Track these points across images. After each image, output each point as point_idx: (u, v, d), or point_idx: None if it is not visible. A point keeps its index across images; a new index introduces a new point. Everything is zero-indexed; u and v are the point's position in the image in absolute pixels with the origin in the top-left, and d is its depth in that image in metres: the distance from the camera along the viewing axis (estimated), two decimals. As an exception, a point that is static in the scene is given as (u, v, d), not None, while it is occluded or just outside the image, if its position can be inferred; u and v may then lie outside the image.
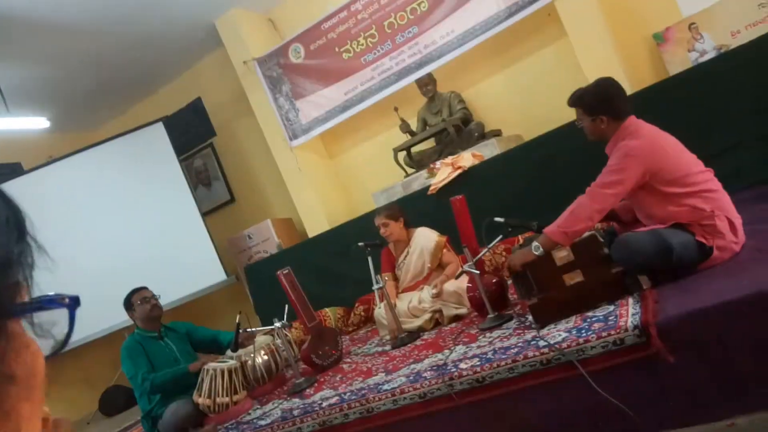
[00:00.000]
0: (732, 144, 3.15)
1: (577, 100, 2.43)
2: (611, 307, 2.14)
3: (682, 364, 1.78)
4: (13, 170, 5.90)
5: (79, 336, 5.33)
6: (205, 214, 6.08)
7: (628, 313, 2.01)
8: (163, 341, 3.46)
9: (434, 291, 3.24)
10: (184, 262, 5.62)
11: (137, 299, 3.45)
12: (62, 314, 0.42)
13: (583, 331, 2.02)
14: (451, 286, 3.18)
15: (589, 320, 2.11)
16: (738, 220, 2.18)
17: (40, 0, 4.23)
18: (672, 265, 2.08)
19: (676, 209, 2.17)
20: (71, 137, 6.57)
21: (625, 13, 4.46)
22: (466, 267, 2.74)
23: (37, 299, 0.40)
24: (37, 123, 5.49)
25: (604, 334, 1.92)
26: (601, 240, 2.32)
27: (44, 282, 0.42)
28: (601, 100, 2.36)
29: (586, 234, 2.30)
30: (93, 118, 6.71)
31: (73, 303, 0.42)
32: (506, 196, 3.81)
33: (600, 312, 2.15)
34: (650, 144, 2.23)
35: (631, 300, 2.13)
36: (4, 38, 4.50)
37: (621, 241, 2.16)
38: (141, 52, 5.60)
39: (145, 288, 3.54)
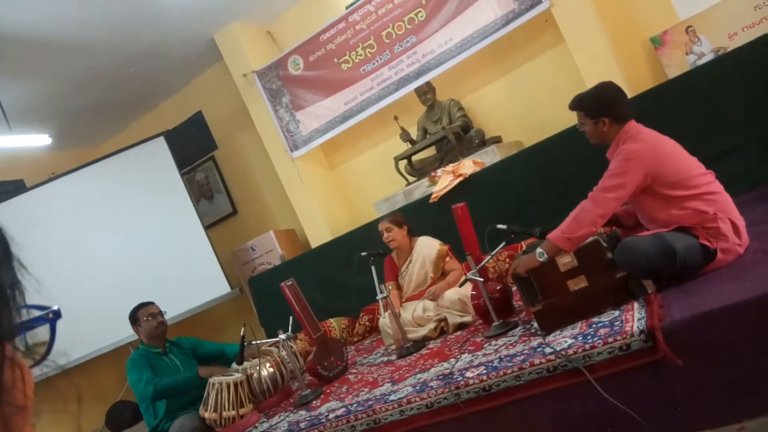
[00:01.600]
0: (732, 146, 3.15)
1: (579, 103, 2.44)
2: (616, 312, 2.14)
3: (689, 368, 1.77)
4: (16, 187, 5.92)
5: (84, 351, 5.35)
6: (207, 227, 6.09)
7: (634, 317, 2.00)
8: (168, 357, 3.46)
9: (431, 294, 3.25)
10: (187, 275, 5.62)
11: (144, 315, 3.44)
12: (45, 328, 0.42)
13: (589, 337, 2.01)
14: (455, 294, 3.18)
15: (594, 326, 2.11)
16: (741, 223, 2.18)
17: (42, 18, 4.27)
18: (676, 268, 2.08)
19: (678, 212, 2.17)
20: (73, 153, 6.60)
21: (622, 18, 4.48)
22: (469, 275, 2.73)
23: (27, 321, 0.41)
24: (39, 140, 5.51)
25: (610, 339, 1.92)
26: (605, 245, 2.32)
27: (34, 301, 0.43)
28: (602, 103, 2.37)
29: (590, 239, 2.30)
30: (95, 134, 6.74)
31: (55, 316, 0.43)
32: (508, 203, 3.81)
33: (605, 317, 2.14)
34: (651, 147, 2.23)
35: (636, 305, 2.12)
36: (6, 56, 4.53)
37: (624, 245, 2.16)
38: (141, 68, 5.64)
39: (152, 303, 3.53)
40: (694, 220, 2.14)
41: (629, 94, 3.84)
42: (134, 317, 3.47)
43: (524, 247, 3.02)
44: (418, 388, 2.39)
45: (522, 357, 2.15)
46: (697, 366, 1.77)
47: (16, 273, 0.40)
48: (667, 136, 2.32)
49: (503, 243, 2.70)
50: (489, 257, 2.78)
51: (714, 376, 1.76)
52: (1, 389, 0.36)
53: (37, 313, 0.41)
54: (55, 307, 0.42)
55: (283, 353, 3.42)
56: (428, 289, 3.37)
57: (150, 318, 3.43)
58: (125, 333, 5.29)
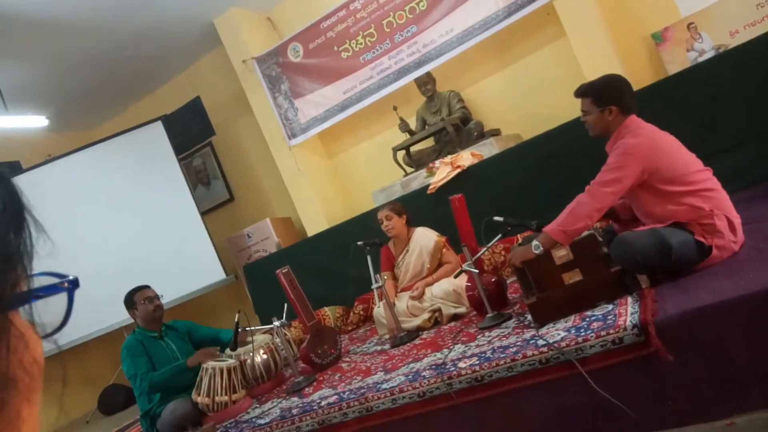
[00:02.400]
0: (731, 143, 3.16)
1: (588, 88, 2.40)
2: (610, 306, 2.15)
3: (681, 363, 1.78)
4: (12, 169, 5.89)
5: (78, 335, 5.35)
6: (204, 213, 6.08)
7: (627, 312, 2.01)
8: (164, 341, 3.46)
9: (413, 294, 3.29)
10: (183, 261, 5.62)
11: (140, 298, 3.44)
12: (61, 298, 0.40)
13: (582, 330, 2.02)
14: (449, 285, 3.19)
15: (588, 319, 2.11)
16: (737, 220, 2.18)
17: (39, -2, 4.23)
18: (671, 264, 2.09)
19: (675, 208, 2.18)
20: (70, 136, 6.56)
21: (624, 13, 4.47)
22: (465, 266, 2.74)
23: (35, 289, 0.38)
24: (36, 121, 5.48)
25: (603, 333, 1.93)
26: (600, 239, 2.32)
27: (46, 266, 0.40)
28: (611, 91, 2.36)
29: (585, 233, 2.30)
30: (92, 116, 6.70)
31: (72, 285, 0.40)
32: (505, 195, 3.81)
33: (599, 311, 2.15)
34: (649, 142, 2.23)
35: (630, 299, 2.13)
36: (3, 37, 4.49)
37: (620, 240, 2.16)
38: (140, 51, 5.60)
39: (148, 287, 3.53)
40: (690, 216, 2.15)
41: (629, 90, 3.85)
42: (130, 301, 3.46)
43: (520, 240, 3.03)
44: (410, 377, 2.40)
45: (515, 349, 2.16)
46: (688, 361, 1.79)
47: (27, 239, 0.38)
48: (666, 132, 2.32)
49: (499, 235, 2.70)
50: (485, 249, 2.78)
51: (705, 371, 1.77)
52: None
53: (51, 281, 0.39)
54: (73, 276, 0.40)
55: (277, 340, 3.43)
56: (420, 290, 3.36)
57: (146, 301, 3.43)
58: (119, 317, 5.30)
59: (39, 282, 0.39)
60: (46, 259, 0.40)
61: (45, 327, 0.39)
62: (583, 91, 2.42)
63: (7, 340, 0.35)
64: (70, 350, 5.20)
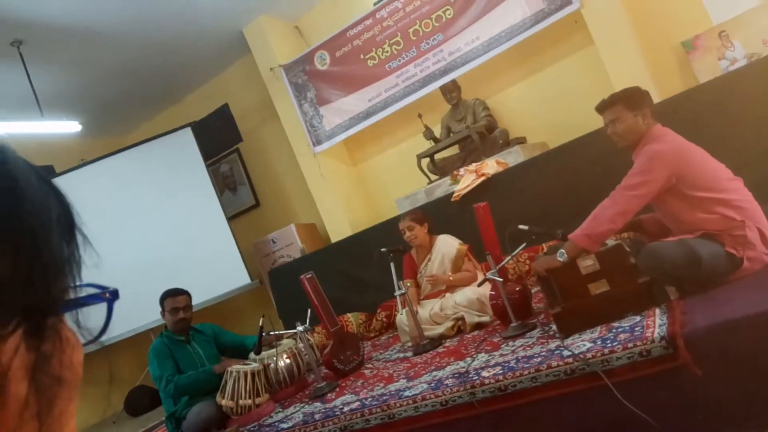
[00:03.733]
0: (763, 153, 3.08)
1: (617, 95, 2.38)
2: (637, 318, 2.11)
3: (709, 377, 1.75)
4: (47, 172, 6.03)
5: (106, 336, 5.41)
6: (230, 219, 6.16)
7: (655, 324, 1.98)
8: (191, 345, 3.50)
9: (429, 278, 3.34)
10: (209, 265, 5.70)
11: (169, 306, 3.46)
12: (101, 308, 0.42)
13: (609, 342, 1.99)
14: (473, 293, 3.17)
15: (614, 330, 2.08)
16: (769, 231, 2.13)
17: (77, 8, 4.36)
18: (701, 275, 2.05)
19: (705, 216, 2.13)
20: (102, 141, 6.73)
21: (654, 21, 4.41)
22: (489, 274, 2.72)
23: (81, 297, 0.41)
24: (70, 127, 5.62)
25: (630, 344, 1.90)
26: (628, 249, 2.29)
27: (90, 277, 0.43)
28: (642, 95, 2.35)
29: (612, 243, 2.28)
30: (123, 123, 6.87)
31: (113, 297, 0.43)
32: (530, 204, 3.78)
33: (626, 322, 2.12)
34: (676, 148, 2.20)
35: (658, 311, 2.10)
36: (40, 44, 4.64)
37: (649, 250, 2.13)
38: (170, 60, 5.73)
39: (180, 294, 3.51)
40: (721, 226, 2.10)
41: (658, 98, 3.81)
42: (161, 303, 3.49)
43: (546, 249, 3.00)
44: (433, 385, 2.40)
45: (539, 359, 2.14)
46: (717, 375, 1.75)
47: (77, 247, 0.42)
48: (696, 141, 2.29)
49: (524, 244, 2.68)
50: (509, 258, 2.76)
51: (734, 385, 1.73)
52: (40, 359, 0.36)
53: (93, 291, 0.42)
54: (113, 288, 0.43)
55: (301, 345, 3.45)
56: (447, 288, 3.37)
57: (171, 312, 3.45)
58: (147, 319, 5.40)
59: (81, 291, 0.42)
60: (92, 269, 0.43)
61: (85, 333, 0.42)
62: (612, 100, 2.38)
63: (59, 341, 0.38)
64: (97, 351, 5.31)
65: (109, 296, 0.42)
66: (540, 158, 4.06)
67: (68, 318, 0.40)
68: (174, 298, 3.49)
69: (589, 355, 1.96)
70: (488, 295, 2.96)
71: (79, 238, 0.42)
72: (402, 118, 5.29)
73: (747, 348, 1.72)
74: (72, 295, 0.40)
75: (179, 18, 5.04)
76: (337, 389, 3.06)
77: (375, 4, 5.17)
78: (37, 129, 5.22)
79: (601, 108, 2.42)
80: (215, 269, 5.72)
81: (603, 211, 2.22)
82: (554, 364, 2.04)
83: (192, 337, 3.54)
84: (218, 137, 6.66)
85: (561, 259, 2.25)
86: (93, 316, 0.42)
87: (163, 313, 3.50)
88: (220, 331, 3.74)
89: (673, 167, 2.15)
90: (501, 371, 2.19)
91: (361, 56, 5.21)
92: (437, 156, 5.04)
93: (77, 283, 0.41)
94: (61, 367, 0.38)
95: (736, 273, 2.07)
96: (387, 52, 5.09)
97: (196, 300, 5.34)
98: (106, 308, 0.43)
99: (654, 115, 2.32)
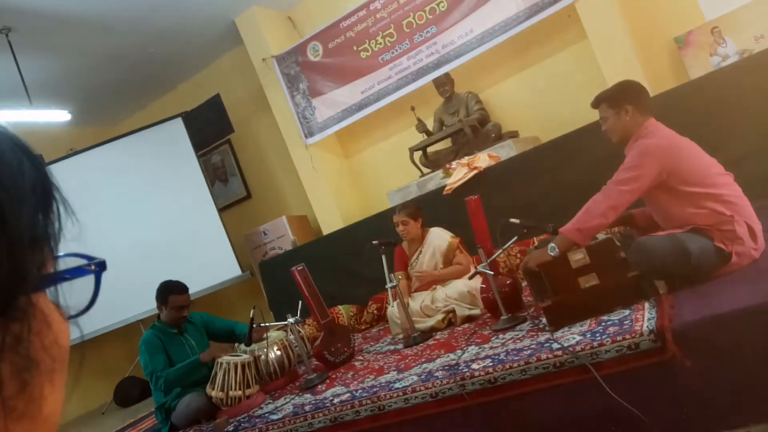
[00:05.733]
0: (754, 149, 3.11)
1: (601, 94, 2.42)
2: (627, 311, 2.13)
3: (697, 370, 1.76)
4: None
5: (95, 327, 5.41)
6: (221, 210, 6.13)
7: (644, 317, 1.99)
8: (184, 336, 3.48)
9: (420, 273, 3.37)
10: (199, 256, 5.67)
11: (174, 303, 3.40)
12: (87, 280, 0.39)
13: (598, 335, 2.01)
14: (464, 286, 3.18)
15: (603, 324, 2.10)
16: (758, 227, 2.15)
17: (65, -5, 4.31)
18: (689, 270, 2.07)
19: (695, 211, 2.15)
20: (92, 131, 6.66)
21: (647, 16, 4.42)
22: (480, 267, 2.73)
23: (62, 271, 0.38)
24: (59, 116, 5.57)
25: (618, 338, 1.91)
26: (618, 244, 2.31)
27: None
28: (623, 91, 2.36)
29: (602, 237, 2.29)
30: (113, 112, 6.80)
31: (100, 268, 0.40)
32: (522, 198, 3.79)
33: (615, 316, 2.13)
34: (667, 143, 2.21)
35: (647, 304, 2.11)
36: (29, 32, 4.58)
37: (638, 245, 2.15)
38: (161, 49, 5.67)
39: (185, 293, 3.45)
40: (710, 221, 2.12)
41: (650, 94, 3.80)
42: (164, 298, 3.42)
43: (536, 243, 3.01)
44: (423, 377, 2.40)
45: (529, 351, 2.15)
46: (705, 368, 1.77)
47: (56, 218, 0.38)
48: (688, 136, 2.30)
49: (515, 237, 2.69)
50: (500, 251, 2.77)
51: (722, 379, 1.75)
52: (15, 340, 0.34)
53: (77, 263, 0.39)
54: (100, 259, 0.39)
55: (291, 337, 3.45)
56: (425, 273, 3.40)
57: (177, 310, 3.41)
58: (136, 311, 5.38)
59: (65, 263, 0.39)
60: (72, 242, 0.40)
61: (69, 309, 0.39)
62: (597, 99, 2.43)
63: (29, 321, 0.35)
64: (86, 342, 5.27)
65: (96, 267, 0.40)
66: (532, 152, 4.07)
67: (48, 294, 0.37)
68: (180, 296, 3.42)
69: (578, 348, 1.98)
70: (479, 288, 2.97)
71: (59, 207, 0.39)
72: (395, 111, 5.28)
73: (734, 342, 1.74)
74: (51, 270, 0.37)
75: (170, 6, 4.99)
76: (328, 381, 3.07)
77: (369, -5, 5.14)
78: (26, 118, 5.17)
79: (593, 107, 2.46)
80: (206, 261, 5.70)
81: (595, 206, 2.23)
82: (544, 356, 2.05)
83: (184, 328, 3.52)
84: (209, 128, 6.62)
85: (552, 254, 2.26)
86: (78, 288, 0.39)
87: (162, 306, 3.44)
88: (210, 319, 3.72)
89: (664, 162, 2.16)
90: (491, 364, 2.20)
91: (354, 48, 5.18)
92: (430, 149, 5.03)
93: (57, 255, 0.38)
94: (38, 348, 0.35)
95: (724, 268, 2.09)
96: (380, 44, 5.07)
97: (187, 291, 5.36)
98: (94, 280, 0.40)
99: (646, 110, 2.32)
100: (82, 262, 0.40)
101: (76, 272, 0.39)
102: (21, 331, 0.34)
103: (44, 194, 0.38)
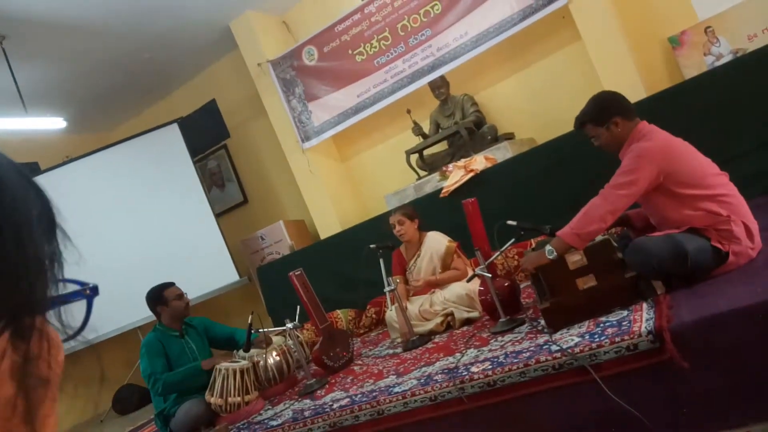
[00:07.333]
0: (748, 149, 3.12)
1: (582, 116, 2.43)
2: (625, 312, 2.13)
3: (696, 370, 1.76)
4: (30, 170, 5.94)
5: (93, 334, 5.37)
6: (218, 215, 6.12)
7: (642, 318, 1.99)
8: (185, 339, 3.47)
9: (417, 281, 3.36)
10: (197, 262, 5.66)
11: (172, 295, 3.41)
12: (81, 304, 0.42)
13: (596, 336, 2.01)
14: (462, 289, 3.18)
15: (602, 325, 2.10)
16: (754, 226, 2.15)
17: (60, 2, 4.30)
18: (687, 270, 2.07)
19: (691, 213, 2.15)
20: (87, 138, 6.65)
21: (641, 16, 4.44)
22: (478, 270, 2.73)
23: (63, 295, 0.41)
24: (54, 123, 5.56)
25: (617, 339, 1.91)
26: (615, 244, 2.31)
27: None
28: (605, 106, 2.37)
29: (600, 238, 2.29)
30: (109, 119, 6.79)
31: (93, 293, 0.43)
32: (519, 200, 3.80)
33: (613, 317, 2.13)
34: (663, 145, 2.22)
35: (645, 305, 2.11)
36: (24, 39, 4.57)
37: (635, 245, 2.15)
38: (156, 54, 5.66)
39: (174, 284, 3.50)
40: (707, 222, 2.12)
41: (645, 94, 3.83)
42: (160, 297, 3.41)
43: (534, 245, 3.02)
44: (422, 381, 2.40)
45: (528, 354, 2.15)
46: (704, 368, 1.77)
47: (58, 245, 0.41)
48: (682, 136, 2.31)
49: (513, 239, 2.69)
50: (498, 253, 2.77)
51: (721, 378, 1.75)
52: (27, 360, 0.36)
53: (74, 287, 0.42)
54: (93, 284, 0.43)
55: (290, 342, 3.44)
56: (422, 282, 3.40)
57: (178, 298, 3.42)
58: (134, 317, 5.35)
59: (64, 287, 0.42)
60: (72, 266, 0.43)
61: (68, 330, 0.42)
62: (580, 123, 2.44)
63: (39, 341, 0.37)
64: (84, 349, 5.25)
65: (89, 292, 0.43)
66: (528, 154, 4.08)
67: (51, 315, 0.40)
68: (173, 288, 3.46)
69: (577, 350, 1.97)
70: (477, 290, 2.97)
71: (59, 235, 0.42)
72: (391, 114, 5.28)
73: (732, 342, 1.74)
74: (55, 293, 0.40)
75: (165, 12, 4.98)
76: (327, 386, 3.06)
77: (363, -1, 5.15)
78: (21, 125, 5.15)
79: (576, 129, 2.46)
80: (203, 266, 5.69)
81: (593, 210, 2.23)
82: (542, 358, 2.05)
83: (185, 331, 3.51)
84: (205, 133, 6.61)
85: (550, 257, 2.26)
86: (74, 312, 0.42)
87: (162, 306, 3.42)
88: (210, 325, 3.70)
89: (660, 165, 2.16)
90: (490, 366, 2.19)
91: (350, 51, 5.19)
92: (426, 152, 5.03)
93: (60, 280, 0.41)
94: (46, 367, 0.38)
95: (721, 267, 2.09)
96: (375, 47, 5.07)
97: (185, 297, 5.34)
98: (86, 304, 0.43)
99: (632, 114, 2.33)
100: (77, 287, 0.42)
101: (72, 296, 0.41)
102: (36, 350, 0.37)
103: (49, 221, 0.42)
